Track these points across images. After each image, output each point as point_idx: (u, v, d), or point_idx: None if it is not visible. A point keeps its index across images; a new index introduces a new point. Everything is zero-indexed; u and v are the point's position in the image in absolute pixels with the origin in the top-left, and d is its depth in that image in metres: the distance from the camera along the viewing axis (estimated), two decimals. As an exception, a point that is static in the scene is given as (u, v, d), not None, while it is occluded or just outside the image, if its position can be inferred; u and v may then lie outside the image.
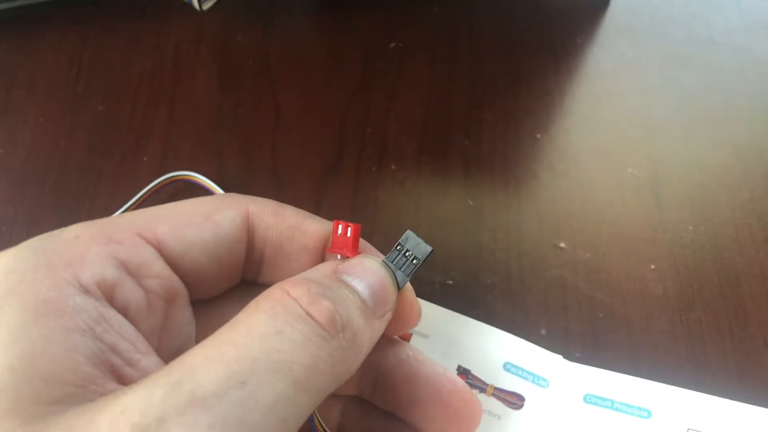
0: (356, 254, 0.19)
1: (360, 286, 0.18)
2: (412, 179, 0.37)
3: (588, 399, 0.29)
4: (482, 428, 0.22)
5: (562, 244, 0.34)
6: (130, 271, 0.17)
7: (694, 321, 0.32)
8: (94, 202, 0.35)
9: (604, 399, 0.28)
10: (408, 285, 0.20)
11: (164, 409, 0.12)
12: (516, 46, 0.42)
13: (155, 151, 0.37)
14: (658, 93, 0.40)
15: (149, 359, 0.16)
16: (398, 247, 0.19)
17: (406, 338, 0.25)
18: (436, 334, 0.30)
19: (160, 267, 0.17)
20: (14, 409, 0.12)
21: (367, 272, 0.18)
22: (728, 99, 0.40)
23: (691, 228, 0.35)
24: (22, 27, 0.41)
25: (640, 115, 0.40)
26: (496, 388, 0.29)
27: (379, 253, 0.21)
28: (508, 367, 0.29)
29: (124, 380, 0.15)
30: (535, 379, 0.29)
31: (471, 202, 0.36)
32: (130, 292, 0.16)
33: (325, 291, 0.16)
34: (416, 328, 0.30)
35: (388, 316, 0.18)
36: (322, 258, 0.21)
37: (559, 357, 0.30)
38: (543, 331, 0.31)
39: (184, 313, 0.19)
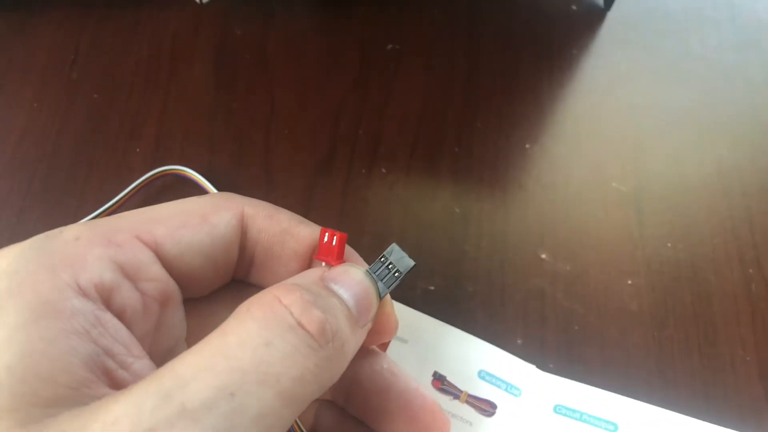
0: (341, 263, 0.20)
1: (346, 294, 0.18)
2: (402, 183, 0.37)
3: (558, 410, 0.30)
4: (453, 437, 0.23)
5: (544, 255, 0.35)
6: (128, 274, 0.17)
7: (666, 338, 0.33)
8: (84, 192, 0.35)
9: (573, 410, 0.30)
10: (387, 297, 0.20)
11: (155, 420, 0.13)
12: (512, 53, 0.42)
13: (148, 142, 0.37)
14: (649, 108, 0.41)
15: (142, 363, 0.16)
16: (382, 259, 0.20)
17: (382, 348, 0.26)
18: (415, 339, 0.31)
19: (156, 270, 0.18)
20: (10, 409, 0.13)
21: (352, 281, 0.19)
22: (716, 118, 0.41)
23: (669, 245, 0.36)
24: (20, 9, 0.41)
25: (629, 129, 0.40)
26: (470, 395, 0.30)
27: (364, 263, 0.22)
28: (482, 374, 0.30)
29: (116, 383, 0.15)
30: (508, 387, 0.30)
31: (457, 210, 0.36)
32: (127, 295, 0.16)
33: (316, 299, 0.16)
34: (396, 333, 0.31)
35: (369, 326, 0.19)
36: (310, 263, 0.21)
37: (533, 367, 0.31)
38: (519, 341, 0.32)
39: (176, 314, 0.19)
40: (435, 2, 0.44)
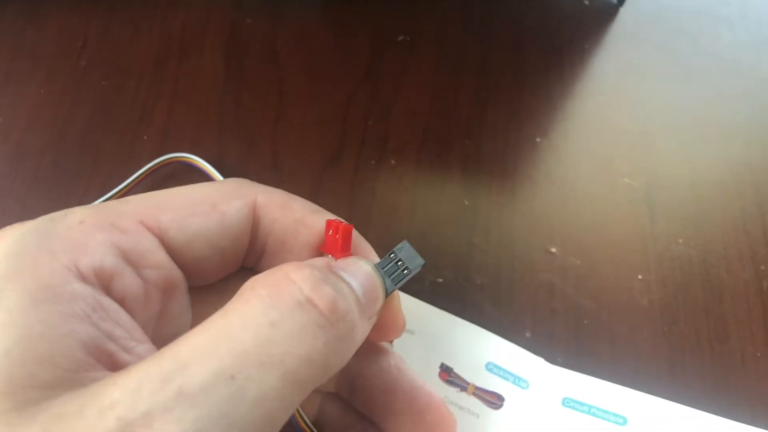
0: (346, 255, 0.19)
1: (354, 282, 0.18)
2: (411, 175, 0.37)
3: (566, 402, 0.29)
4: (460, 426, 0.23)
5: (554, 249, 0.35)
6: (130, 260, 0.16)
7: (676, 333, 0.32)
8: (91, 179, 0.35)
9: (582, 404, 0.29)
10: (395, 294, 0.20)
11: (151, 404, 0.12)
12: (524, 47, 0.42)
13: (156, 131, 0.37)
14: (661, 105, 0.41)
15: (144, 347, 0.16)
16: (392, 255, 0.20)
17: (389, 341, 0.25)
18: (422, 330, 0.30)
19: (160, 257, 0.17)
20: (7, 392, 0.13)
21: (359, 271, 0.18)
22: (728, 116, 0.41)
23: (681, 241, 0.36)
24: (29, -5, 0.41)
25: (641, 125, 0.40)
26: (477, 387, 0.29)
27: (374, 252, 0.21)
28: (490, 367, 0.30)
29: (118, 365, 0.15)
30: (516, 380, 0.30)
31: (467, 202, 0.36)
32: (128, 282, 0.16)
33: (327, 277, 0.16)
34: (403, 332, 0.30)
35: (374, 319, 0.19)
36: (319, 253, 0.21)
37: (541, 360, 0.30)
38: (528, 334, 0.32)
39: (181, 302, 0.19)
40: (446, -5, 0.44)
